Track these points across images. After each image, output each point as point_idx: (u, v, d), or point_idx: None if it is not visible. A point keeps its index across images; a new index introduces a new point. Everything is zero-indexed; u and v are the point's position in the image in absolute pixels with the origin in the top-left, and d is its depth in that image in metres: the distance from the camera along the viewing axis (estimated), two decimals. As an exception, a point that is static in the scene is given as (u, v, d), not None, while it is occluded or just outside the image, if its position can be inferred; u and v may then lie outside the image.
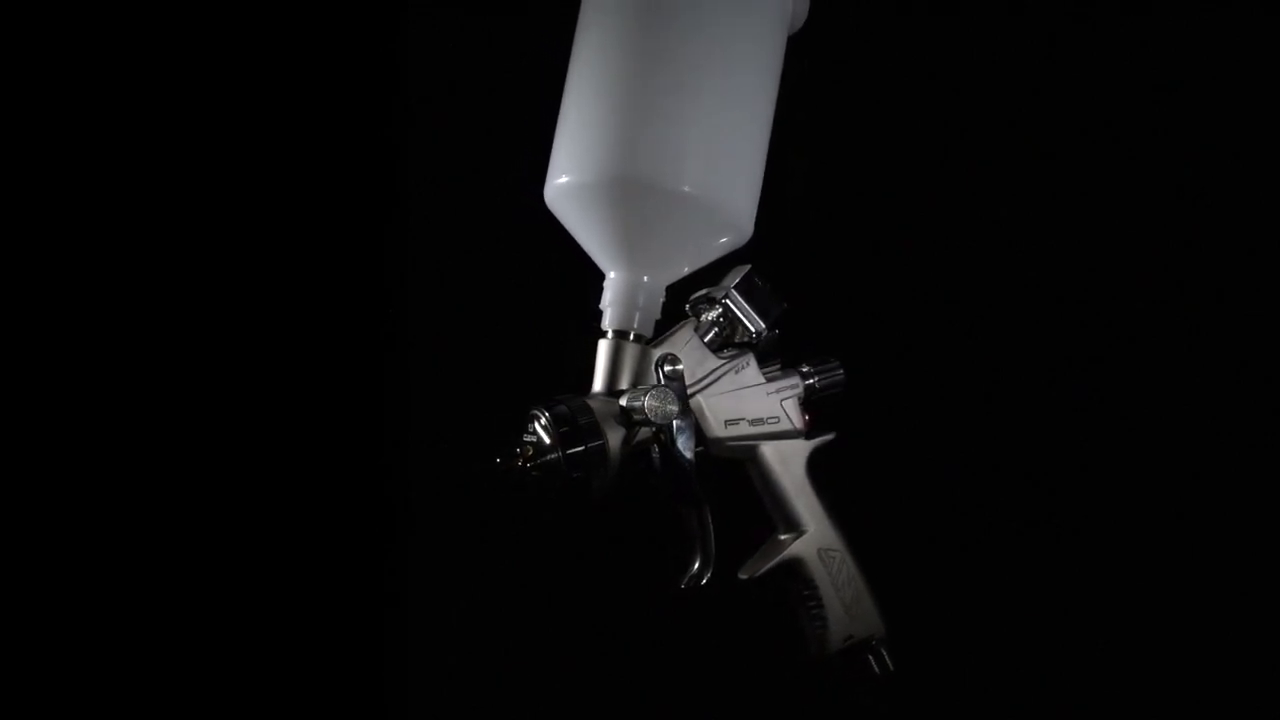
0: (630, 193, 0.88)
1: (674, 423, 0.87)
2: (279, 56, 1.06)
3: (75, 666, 0.98)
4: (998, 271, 1.10)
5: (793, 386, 0.93)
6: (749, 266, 0.92)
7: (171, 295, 1.02)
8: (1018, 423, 1.08)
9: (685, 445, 0.87)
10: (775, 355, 0.94)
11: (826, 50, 1.02)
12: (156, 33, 1.03)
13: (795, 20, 0.96)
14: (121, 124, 1.03)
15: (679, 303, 0.93)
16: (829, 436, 0.93)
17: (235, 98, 1.05)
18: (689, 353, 0.90)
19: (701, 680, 1.01)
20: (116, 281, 1.02)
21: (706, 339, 0.91)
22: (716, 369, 0.91)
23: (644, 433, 0.87)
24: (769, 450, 0.91)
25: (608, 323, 0.90)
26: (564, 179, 0.89)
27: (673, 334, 0.91)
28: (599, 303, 0.91)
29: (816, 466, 0.92)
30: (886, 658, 0.91)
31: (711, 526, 0.88)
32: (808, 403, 0.93)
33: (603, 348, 0.90)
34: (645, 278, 0.90)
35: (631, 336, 0.89)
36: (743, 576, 0.91)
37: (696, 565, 0.88)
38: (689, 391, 0.89)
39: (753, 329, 0.92)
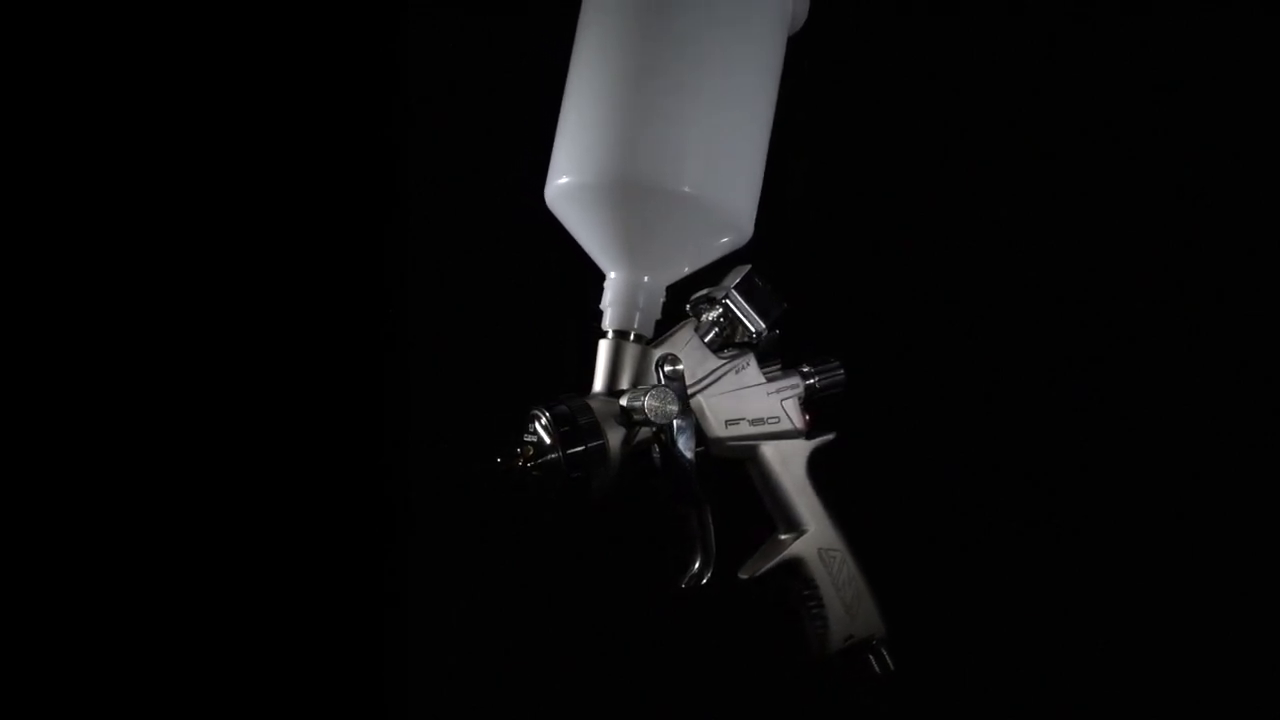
0: (630, 193, 0.88)
1: (674, 423, 0.86)
2: (279, 56, 1.06)
3: (75, 666, 0.98)
4: (998, 271, 1.10)
5: (793, 386, 0.93)
6: (749, 266, 0.92)
7: (172, 295, 1.03)
8: (1018, 423, 1.08)
9: (685, 445, 0.87)
10: (775, 355, 0.94)
11: (826, 50, 1.02)
12: (157, 33, 1.04)
13: (795, 21, 0.96)
14: (122, 124, 1.03)
15: (679, 303, 0.93)
16: (829, 436, 0.93)
17: (235, 98, 1.05)
18: (689, 353, 0.90)
19: (701, 680, 1.01)
20: (117, 282, 1.02)
21: (707, 339, 0.91)
22: (717, 369, 0.91)
23: (644, 433, 0.87)
24: (769, 450, 0.91)
25: (608, 323, 0.90)
26: (564, 179, 0.89)
27: (673, 334, 0.91)
28: (599, 303, 0.91)
29: (817, 466, 0.92)
30: (887, 657, 0.91)
31: (712, 526, 0.88)
32: (808, 403, 0.93)
33: (603, 348, 0.90)
34: (645, 278, 0.90)
35: (632, 336, 0.89)
36: (743, 576, 0.91)
37: (697, 565, 0.88)
38: (689, 391, 0.89)
39: (753, 329, 0.92)
